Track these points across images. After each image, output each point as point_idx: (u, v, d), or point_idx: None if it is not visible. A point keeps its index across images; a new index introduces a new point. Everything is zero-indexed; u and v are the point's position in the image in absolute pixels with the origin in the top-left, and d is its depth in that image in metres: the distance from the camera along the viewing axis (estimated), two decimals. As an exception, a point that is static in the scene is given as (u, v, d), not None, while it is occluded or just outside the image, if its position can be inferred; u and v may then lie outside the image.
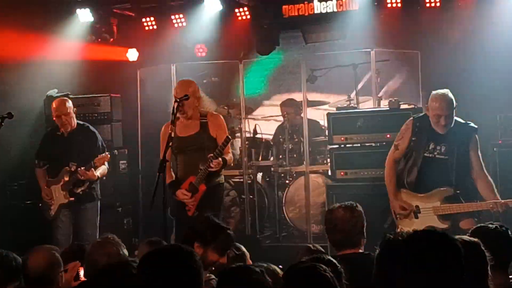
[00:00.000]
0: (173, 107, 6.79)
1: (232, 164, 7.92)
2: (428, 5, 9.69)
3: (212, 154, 6.92)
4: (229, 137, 7.04)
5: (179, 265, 3.03)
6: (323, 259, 3.53)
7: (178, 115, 7.02)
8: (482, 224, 4.57)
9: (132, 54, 10.89)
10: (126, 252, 4.71)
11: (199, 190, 7.06)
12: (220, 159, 6.96)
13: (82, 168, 7.86)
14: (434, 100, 6.69)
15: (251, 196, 9.95)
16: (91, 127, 8.40)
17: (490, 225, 4.46)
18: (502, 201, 6.48)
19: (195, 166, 7.03)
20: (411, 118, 7.07)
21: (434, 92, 6.78)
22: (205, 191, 7.07)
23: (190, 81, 7.39)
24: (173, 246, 3.15)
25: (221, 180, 7.34)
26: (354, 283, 3.74)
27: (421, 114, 6.99)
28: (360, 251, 4.77)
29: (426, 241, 2.84)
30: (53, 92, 9.99)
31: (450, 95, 6.68)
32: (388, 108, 8.61)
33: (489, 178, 6.72)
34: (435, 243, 2.84)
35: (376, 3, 9.86)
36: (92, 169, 7.91)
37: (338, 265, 3.52)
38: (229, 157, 7.19)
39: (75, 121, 8.19)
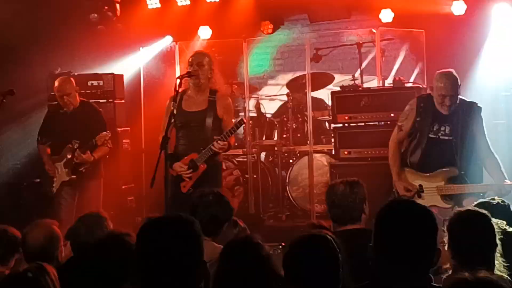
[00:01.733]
0: (175, 83, 6.72)
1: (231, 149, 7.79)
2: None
3: (220, 136, 6.85)
4: (243, 121, 6.97)
5: (179, 233, 3.00)
6: (320, 233, 3.51)
7: (189, 82, 6.99)
8: (483, 200, 4.55)
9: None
10: (111, 225, 4.70)
11: (199, 169, 6.99)
12: (226, 142, 6.89)
13: (78, 151, 7.83)
14: (438, 80, 6.63)
15: (255, 176, 9.93)
16: (94, 105, 8.38)
17: (492, 200, 4.44)
18: (507, 183, 6.41)
19: (196, 143, 6.93)
20: (415, 98, 7.01)
21: (438, 72, 6.71)
22: (204, 170, 7.01)
23: (205, 52, 7.37)
24: (173, 215, 3.12)
25: (219, 160, 7.26)
26: (353, 258, 3.72)
27: (425, 95, 6.93)
28: (361, 226, 4.75)
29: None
30: (56, 70, 9.96)
31: (455, 74, 6.62)
32: (392, 87, 8.56)
33: (496, 157, 6.64)
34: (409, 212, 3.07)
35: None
36: (88, 151, 7.86)
37: (335, 240, 3.49)
38: (233, 141, 7.15)
39: (77, 100, 8.16)
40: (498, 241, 3.74)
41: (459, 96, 6.65)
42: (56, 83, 8.12)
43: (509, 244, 3.89)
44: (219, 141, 6.81)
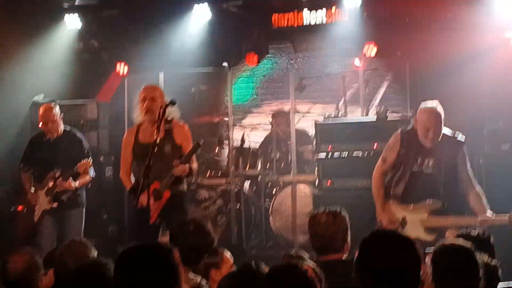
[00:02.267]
0: (159, 113, 6.73)
1: (193, 175, 7.78)
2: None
3: (178, 160, 6.90)
4: (199, 143, 7.01)
5: (157, 262, 2.99)
6: (300, 263, 3.49)
7: (144, 117, 7.10)
8: (463, 232, 4.56)
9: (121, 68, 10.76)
10: (95, 253, 4.67)
11: (163, 197, 6.99)
12: (186, 165, 6.93)
13: (60, 179, 7.81)
14: (422, 113, 6.65)
15: (238, 205, 9.90)
16: (77, 133, 8.35)
17: (472, 231, 4.45)
18: (490, 219, 6.41)
19: (157, 173, 6.88)
20: (399, 131, 7.03)
21: (423, 104, 6.72)
22: (168, 198, 7.01)
23: (156, 85, 7.55)
24: (151, 243, 3.11)
25: (184, 188, 7.27)
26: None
27: (409, 127, 6.94)
28: (343, 257, 4.73)
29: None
30: (39, 97, 9.96)
31: (439, 108, 6.64)
32: (375, 118, 8.59)
33: (479, 191, 6.65)
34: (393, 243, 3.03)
35: (365, 13, 9.86)
36: (70, 179, 7.84)
37: (315, 270, 3.48)
38: (194, 166, 7.16)
39: (61, 127, 8.15)
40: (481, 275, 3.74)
41: (443, 128, 6.67)
42: (41, 110, 8.12)
43: (491, 277, 3.89)
44: (179, 165, 6.84)
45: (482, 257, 3.95)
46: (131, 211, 6.83)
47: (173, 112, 7.11)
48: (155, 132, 6.65)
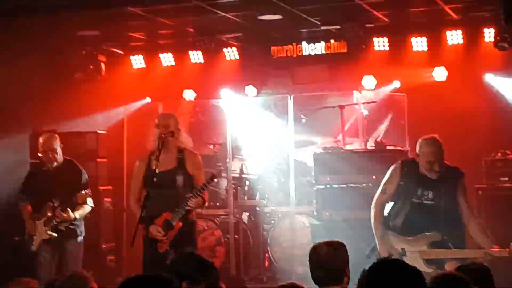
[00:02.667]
0: (158, 143, 6.76)
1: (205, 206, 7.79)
2: (415, 48, 9.80)
3: (192, 193, 6.88)
4: (215, 175, 7.00)
5: None
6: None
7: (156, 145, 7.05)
8: (464, 264, 4.56)
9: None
10: (95, 286, 4.65)
11: (175, 228, 6.96)
12: (200, 198, 6.92)
13: (58, 209, 7.80)
14: (424, 146, 6.64)
15: (236, 236, 9.89)
16: (77, 164, 8.34)
17: (473, 265, 4.45)
18: (490, 251, 6.38)
19: (167, 202, 6.90)
20: (399, 162, 7.04)
21: (423, 138, 6.73)
22: (179, 229, 6.99)
23: (171, 113, 7.44)
24: (153, 274, 3.10)
25: (194, 218, 7.25)
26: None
27: (409, 159, 6.94)
28: (343, 289, 4.73)
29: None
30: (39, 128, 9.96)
31: (439, 140, 6.67)
32: (374, 149, 8.61)
33: (479, 221, 6.65)
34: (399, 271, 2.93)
35: (364, 46, 9.94)
36: (69, 210, 7.83)
37: None
38: (206, 197, 7.15)
39: (61, 157, 8.15)
40: None
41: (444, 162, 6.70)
42: (41, 139, 8.13)
43: None
44: (192, 199, 6.83)
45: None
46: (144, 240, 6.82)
47: (185, 141, 7.11)
48: (154, 162, 6.67)
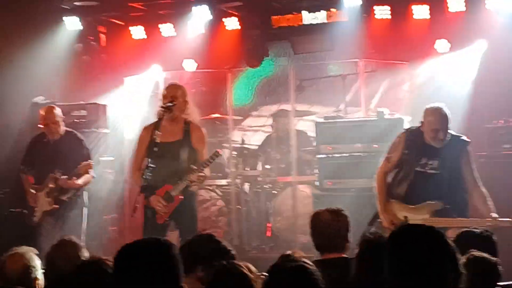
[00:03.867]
0: (159, 113, 6.75)
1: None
2: (416, 17, 9.71)
3: (196, 167, 6.85)
4: (219, 152, 6.99)
5: (156, 257, 2.96)
6: (296, 261, 3.47)
7: (164, 115, 7.04)
8: (467, 229, 4.54)
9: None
10: (87, 254, 4.62)
11: (175, 200, 6.97)
12: (203, 173, 6.89)
13: (63, 177, 7.79)
14: (430, 115, 6.63)
15: (238, 206, 9.89)
16: (78, 134, 8.36)
17: (475, 230, 4.43)
18: (491, 219, 6.37)
19: (169, 174, 6.91)
20: (404, 131, 7.02)
21: (429, 106, 6.70)
22: (180, 201, 7.00)
23: (179, 85, 7.42)
24: (151, 239, 3.08)
25: (195, 190, 7.25)
26: (335, 287, 3.69)
27: (414, 128, 6.91)
28: (345, 255, 4.72)
29: (408, 235, 2.81)
30: (39, 99, 9.93)
31: (446, 109, 6.63)
32: (375, 118, 8.58)
33: (484, 191, 6.64)
34: (417, 236, 2.81)
35: (365, 14, 9.87)
36: (74, 177, 7.84)
37: (312, 267, 3.45)
38: (208, 173, 7.13)
39: (62, 129, 8.16)
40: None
41: (448, 130, 6.66)
42: (42, 112, 8.12)
43: (491, 273, 3.86)
44: (193, 173, 6.81)
45: (481, 254, 3.93)
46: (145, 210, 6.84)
47: (193, 114, 7.08)
48: (155, 132, 6.67)
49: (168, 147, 6.98)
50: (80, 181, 7.93)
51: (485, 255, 3.96)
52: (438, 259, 2.81)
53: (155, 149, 6.92)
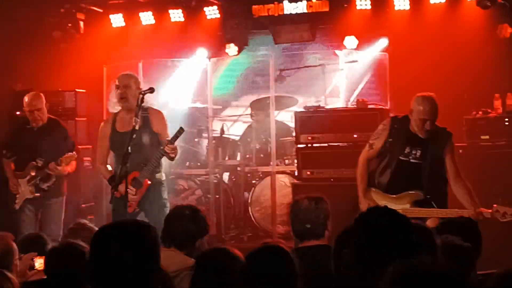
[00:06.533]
0: (138, 99, 6.72)
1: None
2: (397, 7, 9.72)
3: (167, 139, 6.87)
4: (183, 128, 6.97)
5: (132, 239, 2.92)
6: (277, 245, 3.47)
7: (120, 105, 7.08)
8: (451, 218, 4.54)
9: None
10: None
11: (143, 185, 6.99)
12: (175, 144, 6.89)
13: (52, 163, 7.77)
14: (420, 103, 6.52)
15: (217, 196, 9.87)
16: (62, 123, 8.34)
17: (460, 219, 4.43)
18: (471, 211, 6.35)
19: (135, 162, 6.85)
20: (389, 118, 6.98)
21: (420, 94, 6.63)
22: (148, 187, 7.01)
23: (131, 73, 7.35)
24: (127, 220, 3.05)
25: (162, 177, 7.25)
26: (313, 274, 3.68)
27: (401, 116, 6.87)
28: (324, 243, 4.71)
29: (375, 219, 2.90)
30: (17, 86, 9.86)
31: (435, 99, 6.59)
32: (355, 108, 8.59)
33: (466, 183, 6.60)
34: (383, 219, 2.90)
35: (346, 5, 9.87)
36: (63, 164, 7.82)
37: (288, 252, 3.45)
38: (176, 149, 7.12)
39: (46, 116, 8.11)
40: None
41: None
42: (27, 98, 8.06)
43: (464, 258, 3.85)
44: (168, 145, 6.82)
45: (453, 239, 3.92)
46: (112, 200, 6.81)
47: (148, 100, 7.04)
48: (134, 119, 6.63)
49: (128, 135, 6.95)
50: (68, 168, 7.92)
51: (457, 240, 3.95)
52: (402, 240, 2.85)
53: (117, 139, 6.97)
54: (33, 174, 7.92)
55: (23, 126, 8.16)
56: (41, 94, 8.15)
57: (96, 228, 4.60)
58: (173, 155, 6.98)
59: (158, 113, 7.23)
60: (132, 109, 6.94)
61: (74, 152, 7.95)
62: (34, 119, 8.00)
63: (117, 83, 7.12)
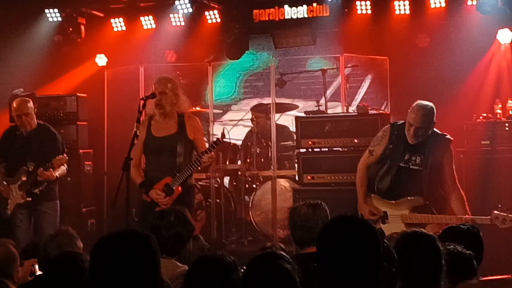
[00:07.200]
0: (139, 105, 6.72)
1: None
2: (397, 12, 9.73)
3: (205, 150, 6.88)
4: (220, 140, 7.07)
5: (132, 248, 2.93)
6: (274, 253, 3.48)
7: (155, 111, 7.03)
8: (453, 225, 4.56)
9: (101, 59, 10.73)
10: (80, 244, 4.62)
11: (175, 192, 6.97)
12: (213, 153, 6.92)
13: (40, 168, 7.75)
14: (412, 111, 6.64)
15: (218, 200, 9.87)
16: (51, 128, 8.29)
17: (462, 226, 4.45)
18: (470, 217, 6.40)
19: (168, 168, 6.90)
20: (389, 125, 7.02)
21: (416, 102, 6.69)
22: (179, 193, 7.00)
23: (169, 77, 7.39)
24: (127, 230, 3.05)
25: (193, 182, 7.29)
26: (313, 281, 3.68)
27: (400, 122, 6.90)
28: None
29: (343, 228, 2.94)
30: (19, 91, 9.84)
31: (431, 109, 6.61)
32: (356, 113, 8.60)
33: (461, 192, 6.67)
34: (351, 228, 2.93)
35: (346, 10, 9.89)
36: (51, 169, 7.79)
37: (288, 259, 3.46)
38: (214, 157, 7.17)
39: (35, 121, 8.10)
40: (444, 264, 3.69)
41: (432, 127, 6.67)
42: (14, 104, 8.06)
43: (466, 267, 3.88)
44: (205, 154, 6.83)
45: (455, 247, 3.94)
46: (141, 204, 6.83)
47: (184, 105, 7.05)
48: (135, 124, 6.64)
49: (163, 141, 6.99)
50: (57, 173, 7.89)
51: (460, 248, 3.97)
52: (365, 251, 2.86)
53: (152, 144, 6.97)
54: (24, 179, 7.91)
55: (13, 132, 8.16)
56: (29, 99, 8.13)
57: (76, 235, 4.65)
58: (208, 164, 6.99)
59: (194, 118, 7.24)
60: (168, 115, 6.97)
61: (64, 155, 7.93)
62: (22, 124, 8.01)
63: (153, 89, 7.07)
